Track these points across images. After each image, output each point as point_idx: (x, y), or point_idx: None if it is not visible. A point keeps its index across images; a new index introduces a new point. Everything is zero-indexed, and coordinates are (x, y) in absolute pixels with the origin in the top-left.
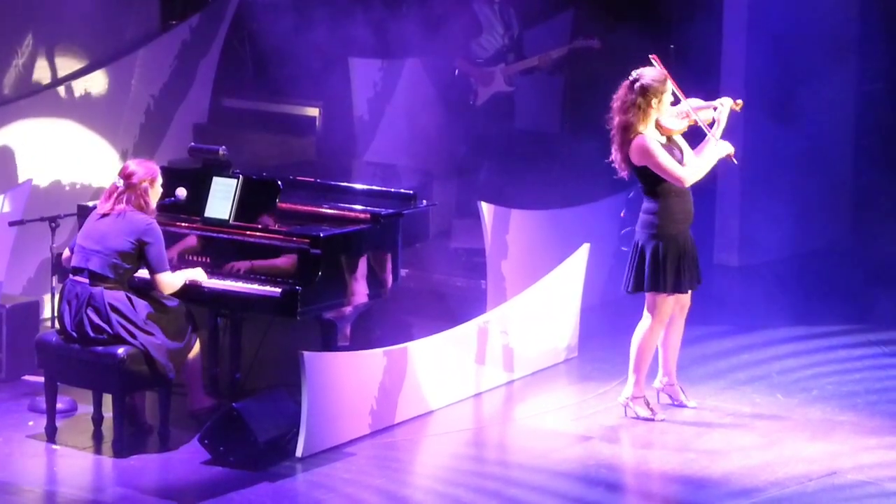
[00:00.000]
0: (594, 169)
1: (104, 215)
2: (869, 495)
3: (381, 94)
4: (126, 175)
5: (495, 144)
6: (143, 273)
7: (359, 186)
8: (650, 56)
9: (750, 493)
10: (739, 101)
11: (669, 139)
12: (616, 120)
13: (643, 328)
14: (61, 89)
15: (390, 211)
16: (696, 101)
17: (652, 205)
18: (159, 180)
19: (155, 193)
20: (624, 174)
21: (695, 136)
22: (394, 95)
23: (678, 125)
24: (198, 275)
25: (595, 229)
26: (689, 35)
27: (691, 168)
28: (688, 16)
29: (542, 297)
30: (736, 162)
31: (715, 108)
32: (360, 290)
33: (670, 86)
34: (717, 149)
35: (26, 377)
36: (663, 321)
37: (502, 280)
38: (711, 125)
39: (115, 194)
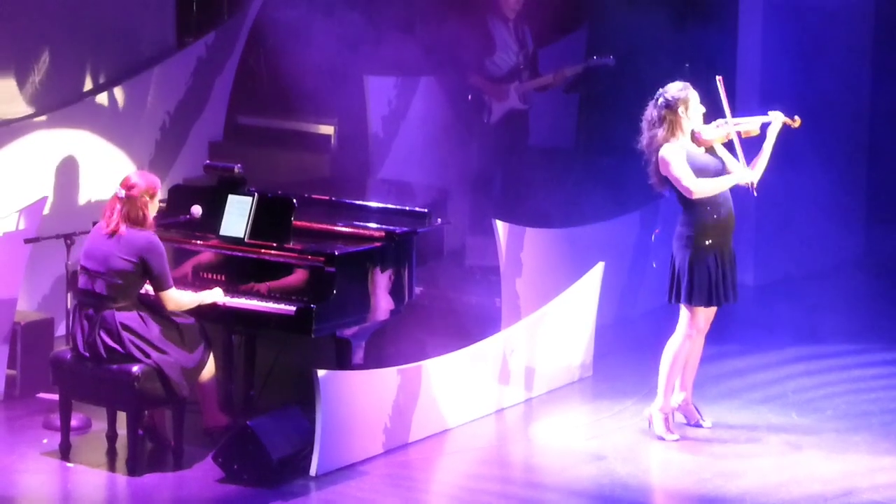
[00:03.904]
0: (609, 187)
1: (106, 233)
2: None
3: (395, 111)
4: (128, 186)
5: (510, 162)
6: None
7: (373, 204)
8: (716, 77)
9: None
10: (797, 119)
11: (710, 150)
12: (646, 139)
13: (676, 339)
14: (77, 106)
15: (405, 229)
16: (739, 119)
17: (686, 217)
18: (159, 195)
19: (154, 207)
20: (663, 191)
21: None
22: (408, 113)
23: (716, 135)
24: (215, 296)
25: (610, 247)
26: (704, 52)
27: (704, 183)
28: (703, 33)
29: (556, 315)
30: (755, 194)
31: (763, 124)
32: (375, 308)
33: (695, 94)
34: (740, 174)
35: (41, 394)
36: (692, 333)
37: (517, 298)
38: (755, 142)
39: (117, 207)
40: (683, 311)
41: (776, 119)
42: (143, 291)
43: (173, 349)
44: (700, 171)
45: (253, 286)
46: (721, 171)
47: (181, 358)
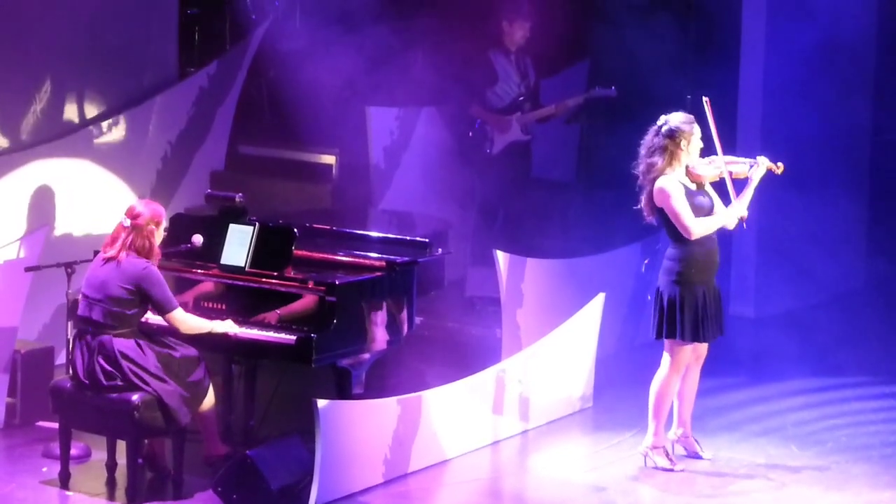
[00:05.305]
0: (610, 218)
1: (107, 260)
2: None
3: (397, 142)
4: (133, 216)
5: (511, 193)
6: (156, 319)
7: (374, 234)
8: (703, 98)
9: None
10: (780, 165)
11: (700, 186)
12: (643, 165)
13: (660, 375)
14: (79, 135)
15: (405, 259)
16: (730, 157)
17: (675, 251)
18: (164, 223)
19: (159, 236)
20: (651, 219)
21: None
22: (410, 143)
23: (710, 172)
24: (227, 327)
25: (610, 279)
26: (706, 84)
27: (703, 223)
28: (705, 65)
29: (557, 346)
30: (745, 227)
31: (751, 166)
32: (375, 338)
33: (698, 129)
34: (734, 211)
35: (40, 423)
36: (679, 369)
37: (517, 329)
38: (744, 181)
39: (122, 235)
40: (668, 347)
41: (762, 164)
42: (144, 320)
43: (172, 377)
44: (696, 209)
45: (263, 317)
46: (712, 210)
47: (180, 387)
